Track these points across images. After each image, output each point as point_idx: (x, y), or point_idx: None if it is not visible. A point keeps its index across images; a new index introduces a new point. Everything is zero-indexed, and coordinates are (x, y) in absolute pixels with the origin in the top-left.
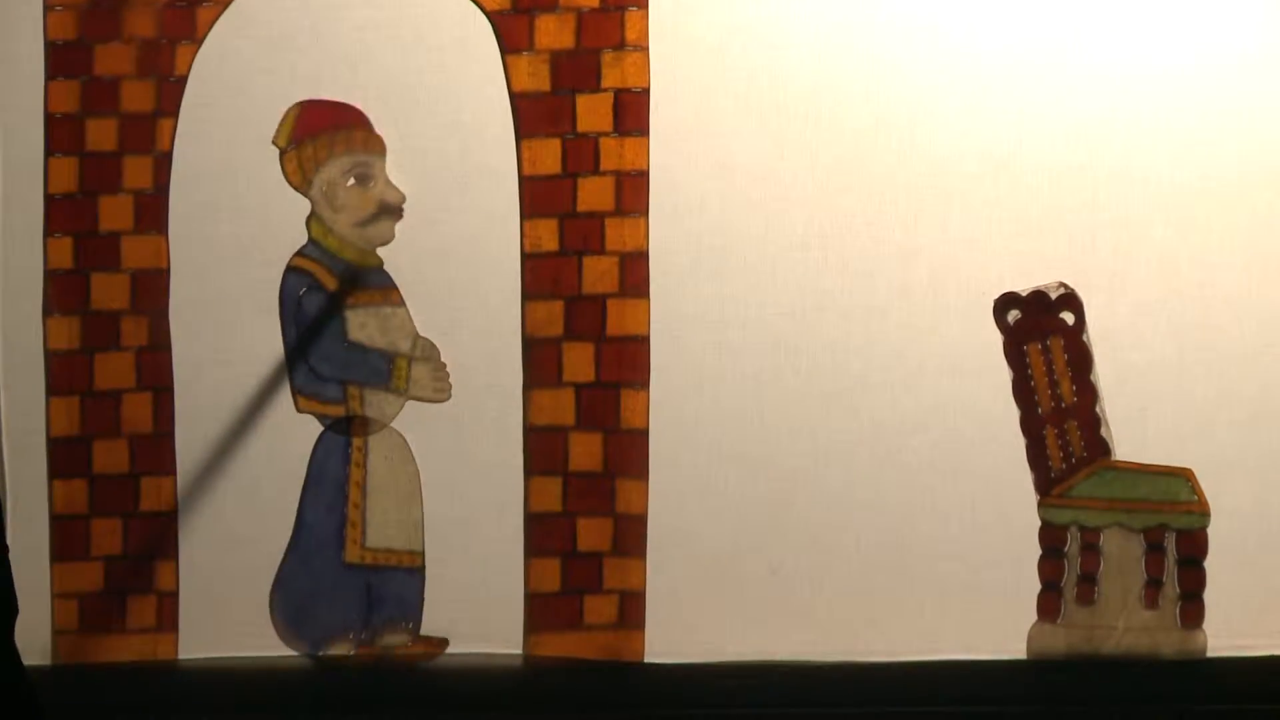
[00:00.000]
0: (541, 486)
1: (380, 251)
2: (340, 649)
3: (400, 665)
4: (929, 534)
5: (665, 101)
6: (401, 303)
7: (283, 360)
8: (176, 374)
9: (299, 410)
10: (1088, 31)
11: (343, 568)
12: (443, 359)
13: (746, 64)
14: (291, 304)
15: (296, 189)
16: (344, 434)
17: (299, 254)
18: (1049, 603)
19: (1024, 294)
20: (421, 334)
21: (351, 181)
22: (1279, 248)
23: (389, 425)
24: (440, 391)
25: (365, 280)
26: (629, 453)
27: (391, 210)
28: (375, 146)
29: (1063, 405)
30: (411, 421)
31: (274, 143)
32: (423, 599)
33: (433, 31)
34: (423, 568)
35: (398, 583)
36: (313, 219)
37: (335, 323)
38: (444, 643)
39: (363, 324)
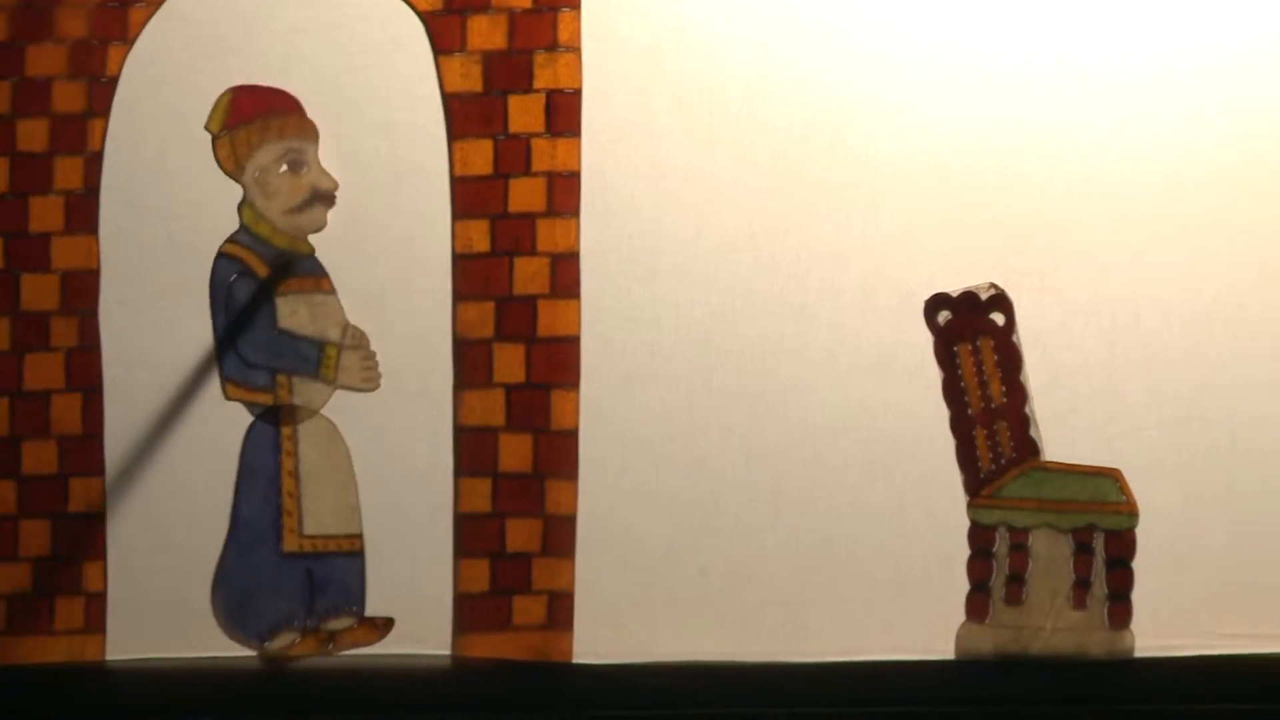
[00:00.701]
0: (471, 487)
1: (312, 240)
2: (285, 638)
3: (330, 666)
4: (858, 534)
5: (597, 102)
6: (332, 291)
7: (212, 355)
8: (106, 375)
9: (227, 398)
10: (1020, 34)
11: (282, 557)
12: (372, 348)
13: (679, 65)
14: (221, 290)
15: (229, 175)
16: (273, 424)
17: (230, 240)
18: (977, 603)
19: (954, 295)
20: (351, 323)
21: (284, 168)
22: (1209, 249)
23: (318, 413)
24: (369, 380)
25: (296, 267)
26: (559, 453)
27: (324, 197)
28: (309, 133)
29: (992, 406)
30: (340, 422)
31: (206, 128)
32: (365, 582)
33: (365, 32)
34: (362, 551)
35: (338, 568)
36: (244, 205)
37: (265, 310)
38: (389, 623)
39: (293, 311)
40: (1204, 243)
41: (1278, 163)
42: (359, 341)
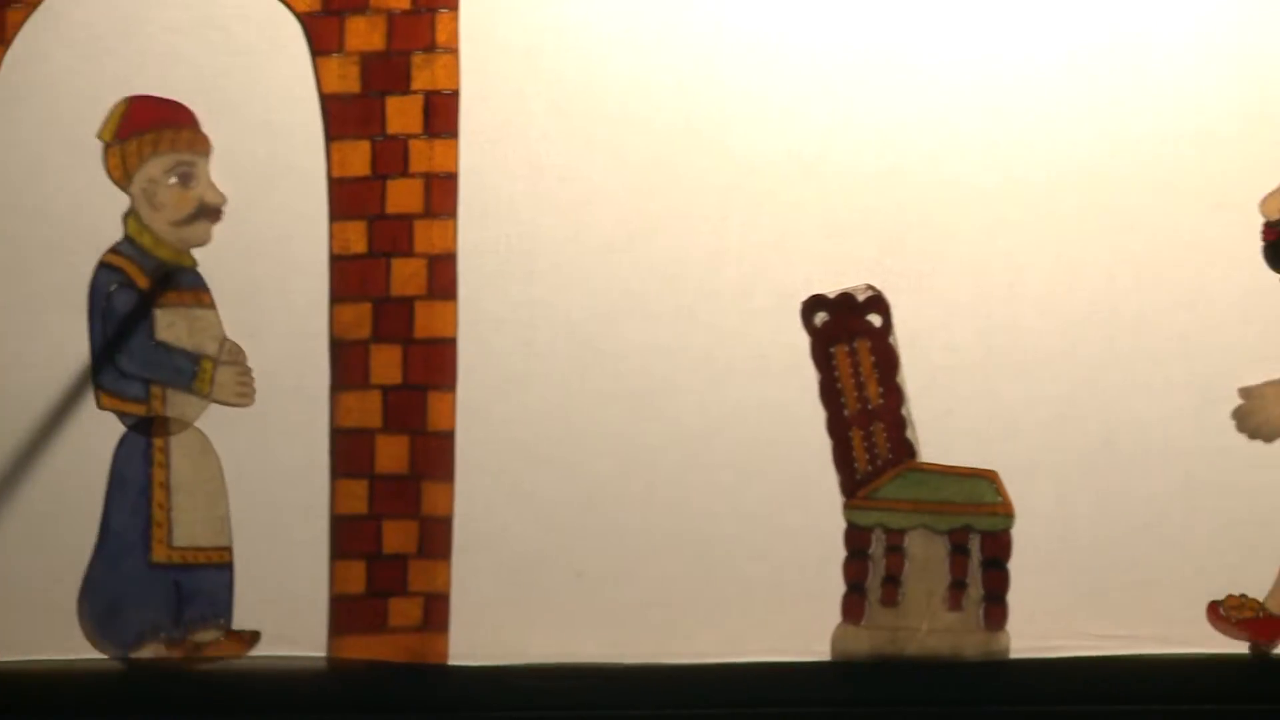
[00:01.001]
0: (347, 489)
1: (195, 253)
2: (151, 650)
3: (204, 668)
4: (734, 536)
5: (475, 103)
6: (212, 305)
7: (89, 361)
8: None
9: (100, 407)
10: (897, 35)
11: (150, 568)
12: (249, 364)
13: (557, 66)
14: (101, 300)
15: (117, 184)
16: (145, 435)
17: (112, 250)
18: (853, 604)
19: (831, 296)
20: (229, 337)
21: (173, 180)
22: (1086, 250)
23: (190, 425)
24: (243, 396)
25: (177, 280)
26: (435, 455)
27: (210, 212)
28: (200, 147)
29: (869, 407)
30: (216, 424)
31: (99, 136)
32: (233, 594)
33: (243, 33)
34: (231, 564)
35: (207, 580)
36: (130, 215)
37: (143, 321)
38: (256, 636)
39: (171, 324)
40: (1080, 244)
41: (1153, 165)
42: (235, 357)
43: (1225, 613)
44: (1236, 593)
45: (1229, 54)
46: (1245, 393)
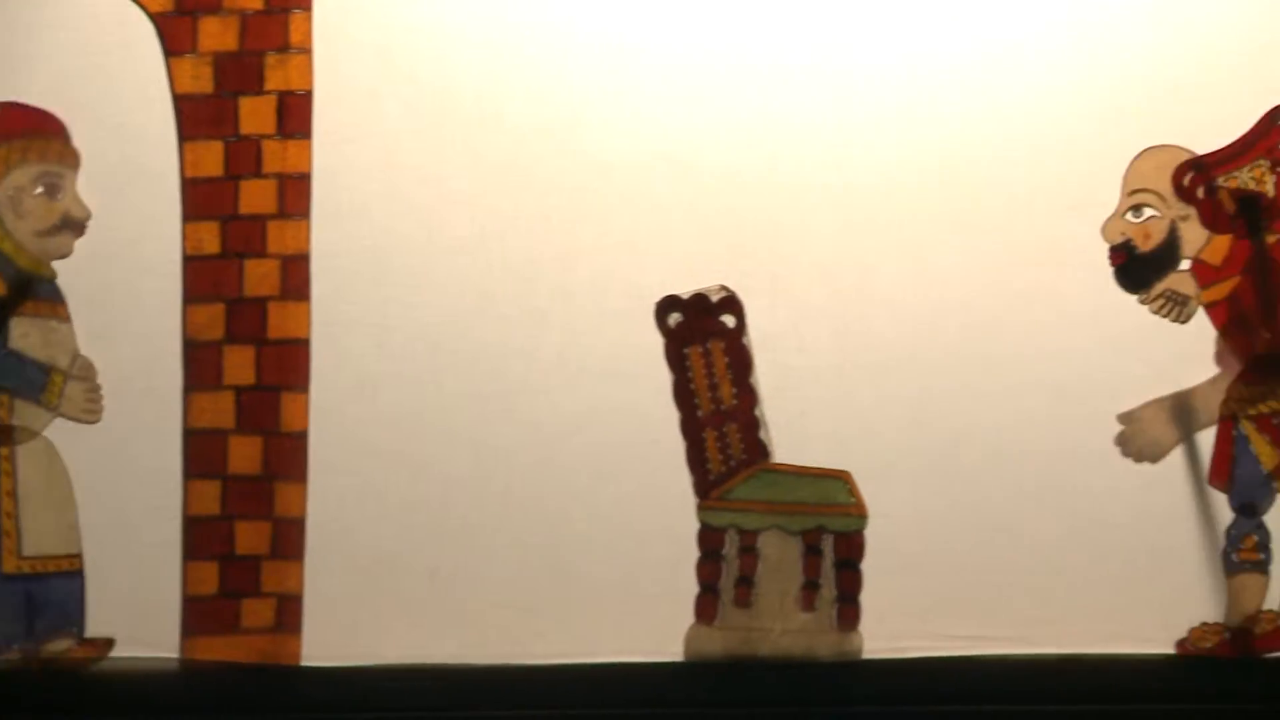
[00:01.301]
0: (200, 490)
1: (55, 265)
2: (2, 662)
3: (57, 670)
4: (588, 536)
5: (329, 104)
6: (68, 319)
7: None
8: None
9: None
10: (750, 34)
11: (1, 579)
12: (100, 374)
13: (411, 66)
14: None
15: None
16: None
17: None
18: (706, 605)
19: (685, 297)
20: (83, 350)
21: (40, 190)
22: (938, 253)
23: (37, 434)
24: (90, 413)
25: (35, 290)
26: (289, 456)
27: (74, 225)
28: (69, 160)
29: (723, 408)
30: (69, 425)
31: None
32: (84, 602)
33: (96, 33)
34: (82, 570)
35: (58, 589)
36: None
37: None
38: (109, 643)
39: (25, 333)
40: (932, 247)
41: (1006, 168)
42: (86, 373)
43: (1193, 646)
44: (1196, 623)
45: (1079, 59)
46: (1125, 418)
